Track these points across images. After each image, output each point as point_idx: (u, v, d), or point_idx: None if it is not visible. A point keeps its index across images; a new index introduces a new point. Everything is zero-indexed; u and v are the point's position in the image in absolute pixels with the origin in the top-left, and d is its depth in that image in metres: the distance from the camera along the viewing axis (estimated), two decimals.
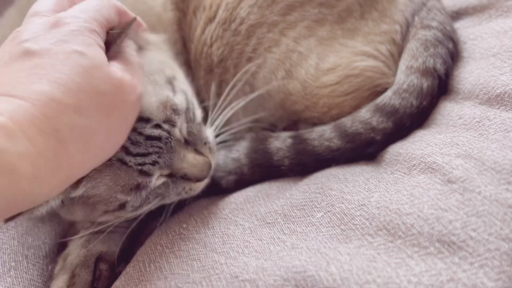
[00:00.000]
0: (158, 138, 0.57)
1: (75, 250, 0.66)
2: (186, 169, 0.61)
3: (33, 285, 0.64)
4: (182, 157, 0.60)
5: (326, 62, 0.73)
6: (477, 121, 0.63)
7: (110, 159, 0.54)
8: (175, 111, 0.59)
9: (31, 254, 0.67)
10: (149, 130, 0.56)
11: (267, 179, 0.73)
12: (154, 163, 0.57)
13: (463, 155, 0.58)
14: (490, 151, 0.56)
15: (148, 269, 0.60)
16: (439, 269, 0.47)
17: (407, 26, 0.76)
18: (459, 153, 0.58)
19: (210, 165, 0.63)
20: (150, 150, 0.56)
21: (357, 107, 0.73)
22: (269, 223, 0.63)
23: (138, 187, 0.57)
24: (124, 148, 0.55)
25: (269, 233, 0.61)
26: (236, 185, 0.73)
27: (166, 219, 0.71)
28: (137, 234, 0.71)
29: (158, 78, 0.61)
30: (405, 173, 0.62)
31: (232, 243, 0.61)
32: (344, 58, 0.73)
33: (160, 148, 0.57)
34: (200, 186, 0.66)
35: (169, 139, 0.58)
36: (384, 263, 0.50)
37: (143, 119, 0.56)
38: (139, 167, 0.56)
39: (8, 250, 0.66)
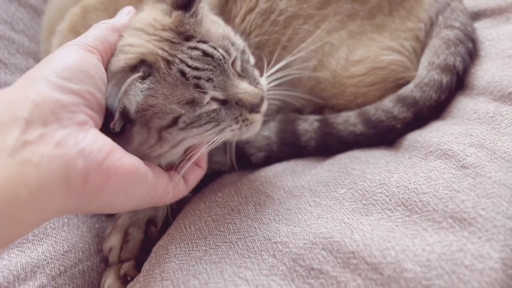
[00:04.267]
0: (212, 56, 0.62)
1: (126, 213, 0.73)
2: (240, 94, 0.65)
3: (83, 240, 0.72)
4: (236, 84, 0.65)
5: (356, 54, 0.79)
6: (490, 116, 0.69)
7: (171, 69, 0.60)
8: (232, 44, 0.66)
9: (80, 213, 0.74)
10: (205, 47, 0.62)
11: (294, 157, 0.80)
12: (208, 80, 0.62)
13: (477, 145, 0.64)
14: (501, 142, 0.63)
15: (188, 230, 0.67)
16: (450, 241, 0.54)
17: (431, 25, 0.82)
18: (472, 142, 0.65)
19: (262, 97, 0.67)
20: (205, 66, 0.62)
21: (381, 97, 0.80)
22: (296, 195, 0.70)
23: (192, 102, 0.61)
24: (184, 62, 0.61)
25: (296, 204, 0.68)
26: (265, 161, 0.80)
27: (201, 189, 0.78)
28: (176, 204, 0.78)
29: (226, 27, 0.70)
30: (422, 158, 0.69)
31: (263, 211, 0.68)
32: (372, 52, 0.79)
33: (214, 67, 0.62)
34: (254, 120, 0.68)
35: (222, 61, 0.63)
36: (402, 234, 0.57)
37: (202, 40, 0.63)
38: (195, 81, 0.61)
39: None
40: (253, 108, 0.66)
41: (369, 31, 0.80)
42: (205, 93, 0.62)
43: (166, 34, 0.62)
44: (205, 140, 0.65)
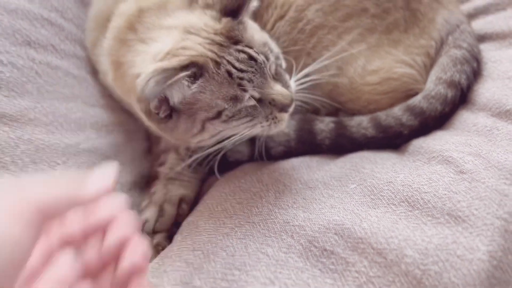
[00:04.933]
0: (255, 60, 0.72)
1: (161, 190, 0.82)
2: (274, 95, 0.74)
3: None
4: (271, 85, 0.74)
5: (372, 64, 0.88)
6: (487, 129, 0.78)
7: (219, 69, 0.69)
8: (270, 50, 0.75)
9: (119, 188, 0.83)
10: (251, 51, 0.72)
11: (309, 154, 0.89)
12: (249, 80, 0.71)
13: (474, 154, 0.74)
14: (496, 153, 0.72)
15: (216, 209, 0.76)
16: (446, 234, 0.63)
17: (441, 43, 0.91)
18: (471, 151, 0.74)
19: (292, 99, 0.76)
20: (249, 68, 0.71)
21: (391, 105, 0.88)
22: (311, 187, 0.79)
23: (235, 98, 0.71)
24: (231, 63, 0.70)
25: (311, 194, 0.77)
26: (283, 155, 0.89)
27: (223, 175, 0.87)
28: (201, 187, 0.87)
29: (264, 33, 0.79)
30: (425, 162, 0.77)
31: (282, 198, 0.77)
32: (387, 64, 0.88)
33: (256, 70, 0.72)
34: (282, 119, 0.78)
35: (263, 65, 0.72)
36: (404, 226, 0.66)
37: (248, 45, 0.72)
38: (239, 80, 0.70)
39: None
40: (283, 108, 0.75)
41: (386, 44, 0.89)
42: (246, 91, 0.71)
43: (218, 38, 0.71)
44: (238, 133, 0.74)
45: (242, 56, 0.71)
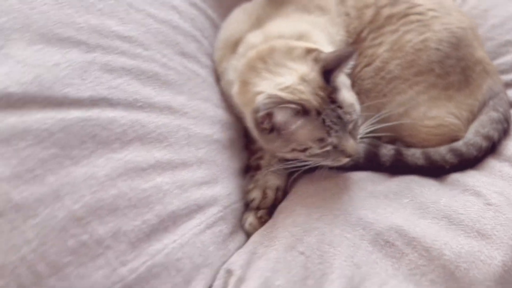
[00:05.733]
0: (342, 119, 0.98)
1: (263, 179, 1.11)
2: (345, 146, 1.00)
3: (236, 189, 1.09)
4: (347, 139, 1.00)
5: (431, 112, 1.16)
6: (509, 177, 1.06)
7: (319, 116, 0.96)
8: (354, 110, 1.01)
9: (233, 171, 1.11)
10: (340, 112, 0.98)
11: (372, 170, 1.16)
12: (335, 131, 0.98)
13: (498, 192, 1.02)
14: None
15: (306, 200, 1.04)
16: (474, 245, 0.91)
17: (483, 105, 1.18)
18: (496, 190, 1.02)
19: (357, 151, 1.03)
20: (337, 122, 0.98)
21: (439, 144, 1.16)
22: (375, 196, 1.06)
23: (321, 141, 0.98)
24: (327, 115, 0.96)
25: (375, 202, 1.04)
26: (351, 168, 1.16)
27: (306, 175, 1.15)
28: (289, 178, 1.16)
29: (352, 93, 1.06)
30: (460, 192, 1.05)
31: (354, 201, 1.04)
32: (441, 113, 1.16)
33: (340, 125, 0.98)
34: (344, 161, 1.05)
35: (346, 123, 0.99)
36: (444, 235, 0.94)
37: (339, 106, 0.98)
38: (328, 129, 0.97)
39: (222, 167, 1.09)
40: (348, 156, 1.03)
41: (443, 98, 1.17)
42: (330, 136, 0.98)
43: (321, 94, 0.98)
44: (310, 161, 1.04)
45: (334, 114, 0.97)
